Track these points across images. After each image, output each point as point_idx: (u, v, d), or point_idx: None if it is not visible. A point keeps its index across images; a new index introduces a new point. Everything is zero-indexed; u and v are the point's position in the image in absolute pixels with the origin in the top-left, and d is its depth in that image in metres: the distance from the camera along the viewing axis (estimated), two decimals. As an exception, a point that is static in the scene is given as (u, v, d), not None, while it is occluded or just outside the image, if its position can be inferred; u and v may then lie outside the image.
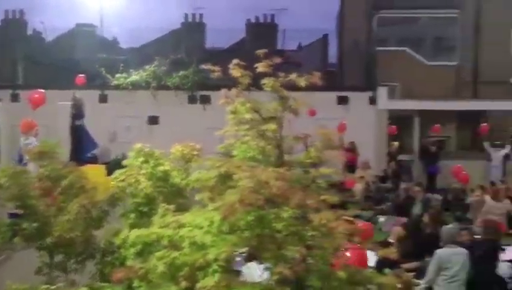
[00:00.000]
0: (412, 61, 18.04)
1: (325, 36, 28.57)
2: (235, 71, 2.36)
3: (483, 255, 6.42)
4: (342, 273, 2.07)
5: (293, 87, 2.62)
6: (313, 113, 15.17)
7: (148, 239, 2.09)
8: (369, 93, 16.31)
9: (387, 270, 6.45)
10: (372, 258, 7.44)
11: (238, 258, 6.55)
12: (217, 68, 2.49)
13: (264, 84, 2.30)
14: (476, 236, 7.42)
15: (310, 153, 2.36)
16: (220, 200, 1.95)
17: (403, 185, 11.73)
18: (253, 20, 25.73)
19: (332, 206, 2.24)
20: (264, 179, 1.84)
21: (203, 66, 2.64)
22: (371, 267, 7.25)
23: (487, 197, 10.63)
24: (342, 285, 2.08)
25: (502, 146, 15.84)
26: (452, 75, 18.01)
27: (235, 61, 2.38)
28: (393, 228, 8.40)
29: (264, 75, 2.55)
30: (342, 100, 16.11)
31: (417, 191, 11.45)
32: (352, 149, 15.21)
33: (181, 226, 2.02)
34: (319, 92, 17.40)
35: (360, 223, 9.01)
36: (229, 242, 1.87)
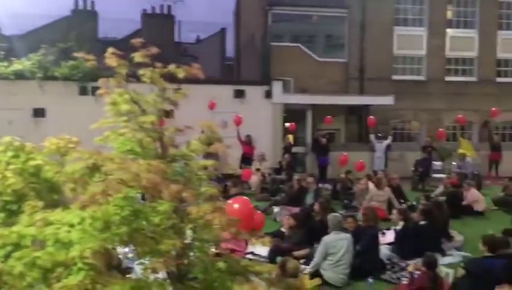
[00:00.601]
0: (304, 57, 18.78)
1: (223, 30, 28.75)
2: (110, 60, 2.25)
3: (365, 240, 6.88)
4: (221, 264, 2.08)
5: (191, 80, 2.58)
6: (213, 106, 15.23)
7: (9, 240, 1.93)
8: (265, 88, 16.71)
9: (279, 259, 6.69)
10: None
11: (130, 255, 6.36)
12: (91, 57, 2.37)
13: (143, 74, 2.23)
14: (359, 222, 7.91)
15: (193, 146, 2.34)
16: (84, 193, 1.86)
17: (296, 177, 12.17)
18: (149, 11, 25.09)
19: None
20: (134, 171, 1.79)
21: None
22: (264, 256, 7.50)
23: (371, 186, 11.44)
24: (223, 275, 2.09)
25: (385, 138, 17.13)
26: (341, 71, 19.07)
27: (110, 50, 2.28)
28: (285, 218, 8.69)
29: (149, 66, 2.48)
30: (239, 94, 16.33)
31: (310, 181, 11.97)
32: (248, 142, 15.51)
33: (48, 224, 1.89)
34: (217, 85, 17.61)
35: (256, 214, 9.29)
36: (97, 239, 1.79)
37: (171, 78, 2.54)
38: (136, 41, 2.31)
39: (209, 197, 2.17)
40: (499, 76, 19.97)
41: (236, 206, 5.38)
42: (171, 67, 2.24)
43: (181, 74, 2.22)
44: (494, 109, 17.19)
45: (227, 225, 1.90)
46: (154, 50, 2.19)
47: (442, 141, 18.48)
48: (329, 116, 16.52)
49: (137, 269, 4.15)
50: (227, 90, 16.43)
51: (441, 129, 17.17)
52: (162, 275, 2.15)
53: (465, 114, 19.01)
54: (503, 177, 14.78)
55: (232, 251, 7.34)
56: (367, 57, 18.97)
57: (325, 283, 6.45)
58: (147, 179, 1.78)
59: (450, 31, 19.50)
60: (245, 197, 5.50)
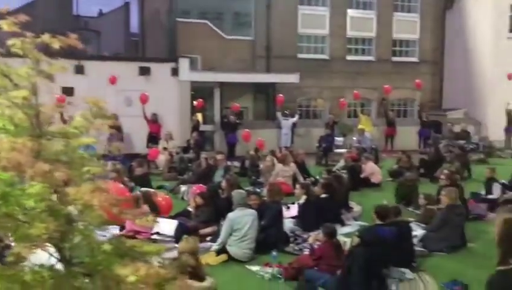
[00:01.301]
0: (212, 34, 18.57)
1: (127, 4, 27.50)
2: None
3: (269, 215, 7.05)
4: (107, 246, 1.99)
5: (94, 56, 2.37)
6: (113, 80, 14.60)
7: None
8: (172, 65, 16.34)
9: (185, 237, 6.64)
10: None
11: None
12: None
13: (13, 45, 2.02)
14: (264, 198, 8.08)
15: (76, 123, 2.19)
16: None
17: (203, 155, 12.13)
18: (44, -19, 23.23)
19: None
20: (-6, 150, 1.63)
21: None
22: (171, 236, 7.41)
23: (276, 162, 11.72)
24: (109, 257, 2.00)
25: (291, 115, 17.62)
26: (248, 49, 19.14)
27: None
28: (191, 196, 8.65)
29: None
30: (144, 71, 15.82)
31: (219, 159, 12.01)
32: (155, 120, 15.15)
33: None
34: (121, 62, 16.90)
35: (161, 196, 9.13)
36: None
37: (70, 53, 2.34)
38: (3, 9, 2.09)
39: (92, 177, 2.05)
40: (395, 56, 21.24)
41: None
42: (45, 37, 2.05)
43: (56, 44, 2.04)
44: (387, 86, 18.33)
45: (108, 205, 1.80)
46: (22, 17, 1.98)
47: (344, 113, 19.47)
48: (236, 104, 16.56)
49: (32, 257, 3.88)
50: (132, 67, 15.84)
51: (342, 99, 17.99)
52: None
53: (364, 92, 20.09)
54: (397, 150, 15.90)
55: (136, 232, 7.20)
56: (273, 36, 19.20)
57: (230, 258, 6.53)
58: (7, 158, 1.62)
59: (350, 12, 20.30)
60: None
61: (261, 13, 19.09)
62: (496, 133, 18.72)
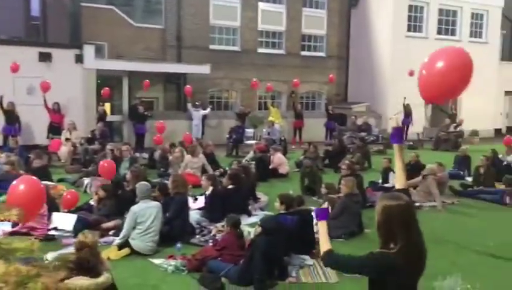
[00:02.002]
0: (119, 21, 17.88)
1: (26, -15, 25.58)
2: None
3: (174, 207, 6.97)
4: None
5: None
6: (15, 68, 13.55)
7: None
8: (75, 51, 15.52)
9: (86, 232, 6.37)
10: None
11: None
12: None
13: None
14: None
15: None
16: None
17: (109, 146, 11.68)
18: None
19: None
20: None
21: None
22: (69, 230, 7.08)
23: (186, 153, 11.62)
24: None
25: (202, 106, 17.54)
26: (159, 38, 18.70)
27: None
28: (93, 189, 8.31)
29: None
30: (45, 57, 14.87)
31: (124, 150, 11.63)
32: (57, 110, 14.33)
33: None
34: (19, 46, 15.71)
35: (67, 191, 8.67)
36: None
37: None
38: None
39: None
40: (304, 50, 21.88)
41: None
42: None
43: None
44: (295, 80, 18.89)
45: None
46: None
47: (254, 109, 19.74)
48: (147, 80, 16.15)
49: None
50: (31, 53, 14.81)
51: (254, 80, 18.11)
52: None
53: (275, 84, 20.51)
54: (305, 142, 16.44)
55: (32, 228, 6.79)
56: (184, 25, 18.93)
57: (134, 252, 6.38)
58: None
59: (261, 5, 20.55)
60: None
61: (172, 2, 18.72)
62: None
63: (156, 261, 6.19)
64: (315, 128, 18.96)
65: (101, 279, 4.04)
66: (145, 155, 14.36)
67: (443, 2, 21.92)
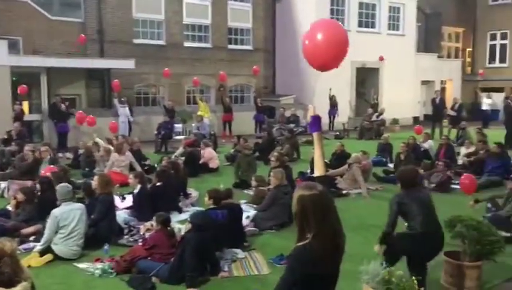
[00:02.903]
0: (35, 15, 16.89)
1: None
2: None
3: (99, 208, 6.69)
4: None
5: None
6: None
7: None
8: (-15, 47, 14.49)
9: (3, 239, 5.96)
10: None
11: None
12: None
13: None
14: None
15: None
16: None
17: (27, 147, 11.01)
18: None
19: None
20: None
21: None
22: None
23: (112, 151, 11.22)
24: None
25: (128, 103, 17.04)
26: (78, 32, 17.83)
27: None
28: (11, 193, 7.80)
29: None
30: (-49, 54, 13.73)
31: (44, 151, 11.02)
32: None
33: None
34: None
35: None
36: None
37: None
38: None
39: None
40: (230, 43, 21.85)
41: None
42: None
43: None
44: (222, 73, 18.86)
45: None
46: None
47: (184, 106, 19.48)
48: (23, 86, 14.98)
49: None
50: None
51: (166, 68, 17.84)
52: None
53: (203, 78, 20.33)
54: (234, 136, 16.46)
55: None
56: (106, 19, 18.24)
57: (57, 257, 6.06)
58: None
59: (186, -2, 20.26)
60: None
61: (92, -5, 17.95)
62: (321, 116, 20.54)
63: (82, 265, 5.92)
64: (244, 121, 19.04)
65: (17, 289, 3.77)
66: (69, 155, 13.73)
67: (363, -4, 22.76)
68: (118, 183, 9.85)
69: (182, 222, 7.51)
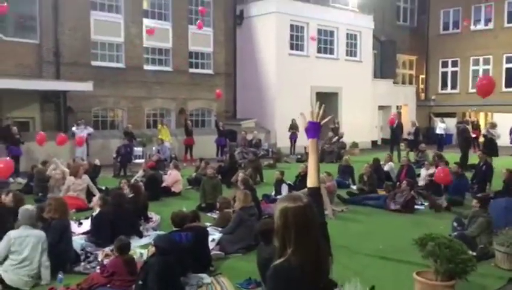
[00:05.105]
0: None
1: None
2: None
3: (52, 235, 6.24)
4: None
5: None
6: None
7: None
8: None
9: None
10: None
11: None
12: None
13: None
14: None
15: None
16: None
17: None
18: None
19: None
20: None
21: None
22: None
23: (68, 175, 10.72)
24: None
25: (85, 125, 16.53)
26: (33, 53, 17.29)
27: None
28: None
29: None
30: None
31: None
32: None
33: None
34: None
35: None
36: None
37: None
38: None
39: None
40: (191, 67, 21.71)
41: None
42: None
43: None
44: (218, 91, 18.84)
45: None
46: None
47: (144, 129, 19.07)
48: None
49: None
50: None
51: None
52: None
53: (163, 102, 20.04)
54: (196, 159, 16.16)
55: None
56: (62, 40, 17.74)
57: (6, 286, 5.57)
58: None
59: (146, 21, 20.05)
60: None
61: (48, 16, 17.45)
62: (282, 140, 20.61)
63: (34, 295, 5.47)
64: (206, 145, 18.78)
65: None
66: (21, 180, 13.04)
67: (321, 23, 23.21)
68: (74, 208, 9.38)
69: (143, 246, 7.14)
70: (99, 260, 6.41)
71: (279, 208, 2.36)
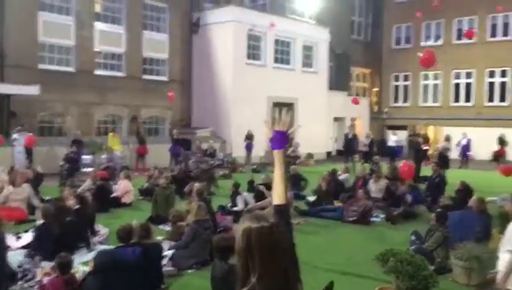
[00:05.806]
0: None
1: None
2: None
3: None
4: None
5: None
6: None
7: None
8: None
9: None
10: None
11: None
12: None
13: None
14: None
15: None
16: None
17: None
18: None
19: None
20: None
21: None
22: None
23: (8, 184, 9.95)
24: None
25: (28, 131, 15.65)
26: (-26, 53, 16.28)
27: None
28: None
29: None
30: None
31: None
32: None
33: None
34: None
35: None
36: None
37: None
38: None
39: None
40: (145, 73, 21.12)
41: None
42: None
43: None
44: (171, 93, 18.11)
45: None
46: None
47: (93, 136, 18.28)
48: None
49: None
50: None
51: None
52: None
53: (115, 109, 19.32)
54: (149, 168, 15.57)
55: None
56: (7, 41, 16.79)
57: None
58: None
59: (98, 24, 19.35)
60: None
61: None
62: (238, 150, 20.32)
63: (-40, 320, 4.87)
64: (159, 153, 18.19)
65: None
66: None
67: (278, 34, 23.20)
68: (13, 220, 8.67)
69: (86, 263, 6.61)
70: (38, 279, 5.84)
71: (242, 228, 2.05)
